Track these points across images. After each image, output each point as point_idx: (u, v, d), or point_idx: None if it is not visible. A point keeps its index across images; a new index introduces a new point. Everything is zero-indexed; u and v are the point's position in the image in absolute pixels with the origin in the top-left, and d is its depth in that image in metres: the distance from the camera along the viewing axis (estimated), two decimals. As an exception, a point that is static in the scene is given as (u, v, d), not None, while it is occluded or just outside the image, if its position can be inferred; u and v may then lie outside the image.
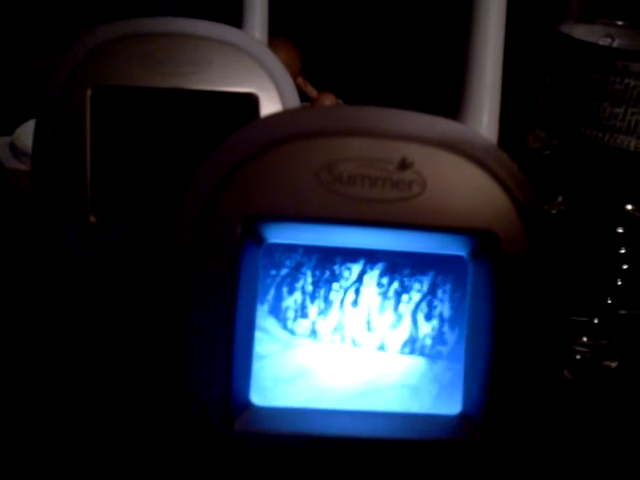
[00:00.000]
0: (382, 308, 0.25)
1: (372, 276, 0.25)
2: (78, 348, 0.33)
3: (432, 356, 0.25)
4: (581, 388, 0.35)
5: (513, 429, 0.24)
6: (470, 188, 0.23)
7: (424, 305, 0.25)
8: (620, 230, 0.36)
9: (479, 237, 0.24)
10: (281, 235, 0.24)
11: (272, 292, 0.25)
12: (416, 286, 0.25)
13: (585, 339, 0.37)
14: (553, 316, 0.24)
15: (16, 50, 0.62)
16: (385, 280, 0.25)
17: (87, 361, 0.33)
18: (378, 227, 0.23)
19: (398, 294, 0.25)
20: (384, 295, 0.25)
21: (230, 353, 0.23)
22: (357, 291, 0.25)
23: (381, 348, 0.25)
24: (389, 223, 0.23)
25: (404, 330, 0.25)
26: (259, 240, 0.24)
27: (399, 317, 0.25)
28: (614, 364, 0.37)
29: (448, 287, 0.25)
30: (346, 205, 0.23)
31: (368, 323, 0.25)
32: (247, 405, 0.24)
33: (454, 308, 0.25)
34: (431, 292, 0.25)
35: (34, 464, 0.28)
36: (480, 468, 0.24)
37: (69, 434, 0.30)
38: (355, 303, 0.25)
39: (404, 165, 0.23)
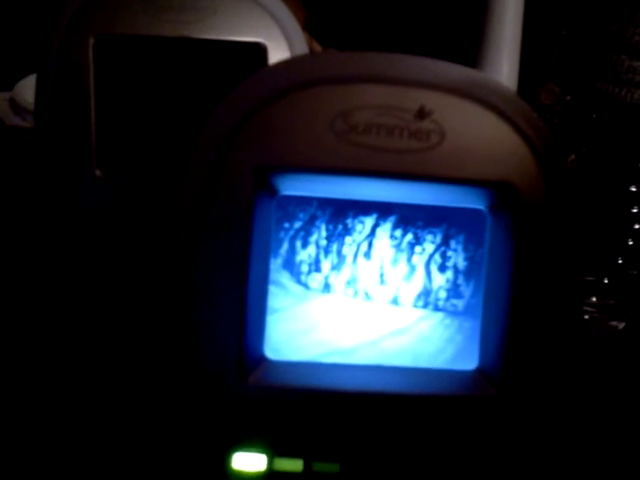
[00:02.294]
0: (395, 260, 0.25)
1: (385, 229, 0.25)
2: (85, 303, 0.33)
3: (447, 310, 0.25)
4: (588, 348, 0.35)
5: (530, 385, 0.24)
6: (490, 139, 0.23)
7: (437, 256, 0.25)
8: (633, 189, 0.35)
9: (499, 190, 0.23)
10: (295, 187, 0.24)
11: (285, 246, 0.25)
12: (429, 237, 0.25)
13: (594, 299, 0.37)
14: (572, 271, 0.23)
15: (12, 3, 0.61)
16: (398, 232, 0.25)
17: (95, 316, 0.33)
18: (395, 179, 0.23)
19: (411, 246, 0.25)
20: (397, 247, 0.25)
21: (244, 307, 0.23)
22: (370, 244, 0.25)
23: (395, 301, 0.25)
24: (406, 174, 0.23)
25: (418, 282, 0.25)
26: (272, 192, 0.23)
27: (412, 269, 0.25)
28: (621, 325, 0.37)
29: (461, 238, 0.25)
30: (362, 155, 0.22)
31: (381, 276, 0.25)
32: (261, 359, 0.24)
33: (469, 260, 0.25)
34: (444, 243, 0.25)
35: (40, 420, 0.28)
36: (497, 424, 0.24)
37: (80, 389, 0.30)
38: (368, 256, 0.25)
39: (422, 114, 0.23)
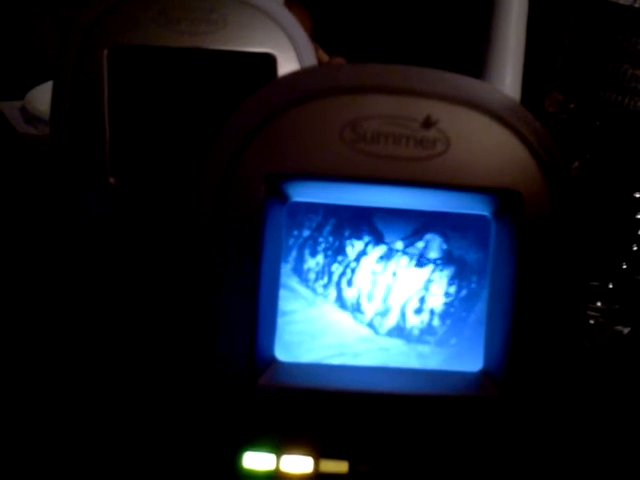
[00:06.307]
0: (402, 275, 0.26)
1: (396, 243, 0.25)
2: (98, 307, 0.34)
3: (451, 316, 0.26)
4: (593, 353, 0.35)
5: (533, 386, 0.24)
6: (494, 147, 0.23)
7: (439, 273, 0.25)
8: (637, 195, 0.36)
9: (503, 196, 0.24)
10: (304, 193, 0.24)
11: (294, 253, 0.25)
12: (435, 245, 0.25)
13: (599, 304, 0.37)
14: (574, 276, 0.24)
15: (24, 13, 0.61)
16: (401, 245, 0.25)
17: (108, 320, 0.33)
18: (401, 186, 0.23)
19: (419, 260, 0.25)
20: (410, 256, 0.26)
21: (255, 310, 0.23)
22: (381, 258, 0.25)
23: (402, 311, 0.26)
24: (412, 181, 0.23)
25: (425, 293, 0.26)
26: (283, 198, 0.24)
27: (419, 278, 0.26)
28: (626, 330, 0.37)
29: (465, 243, 0.25)
30: (369, 163, 0.23)
31: (388, 290, 0.26)
32: (272, 360, 0.24)
33: (474, 268, 0.25)
34: (450, 252, 0.25)
35: (53, 418, 0.29)
36: (500, 424, 0.24)
37: (93, 388, 0.30)
38: (379, 270, 0.26)
39: (428, 123, 0.23)
